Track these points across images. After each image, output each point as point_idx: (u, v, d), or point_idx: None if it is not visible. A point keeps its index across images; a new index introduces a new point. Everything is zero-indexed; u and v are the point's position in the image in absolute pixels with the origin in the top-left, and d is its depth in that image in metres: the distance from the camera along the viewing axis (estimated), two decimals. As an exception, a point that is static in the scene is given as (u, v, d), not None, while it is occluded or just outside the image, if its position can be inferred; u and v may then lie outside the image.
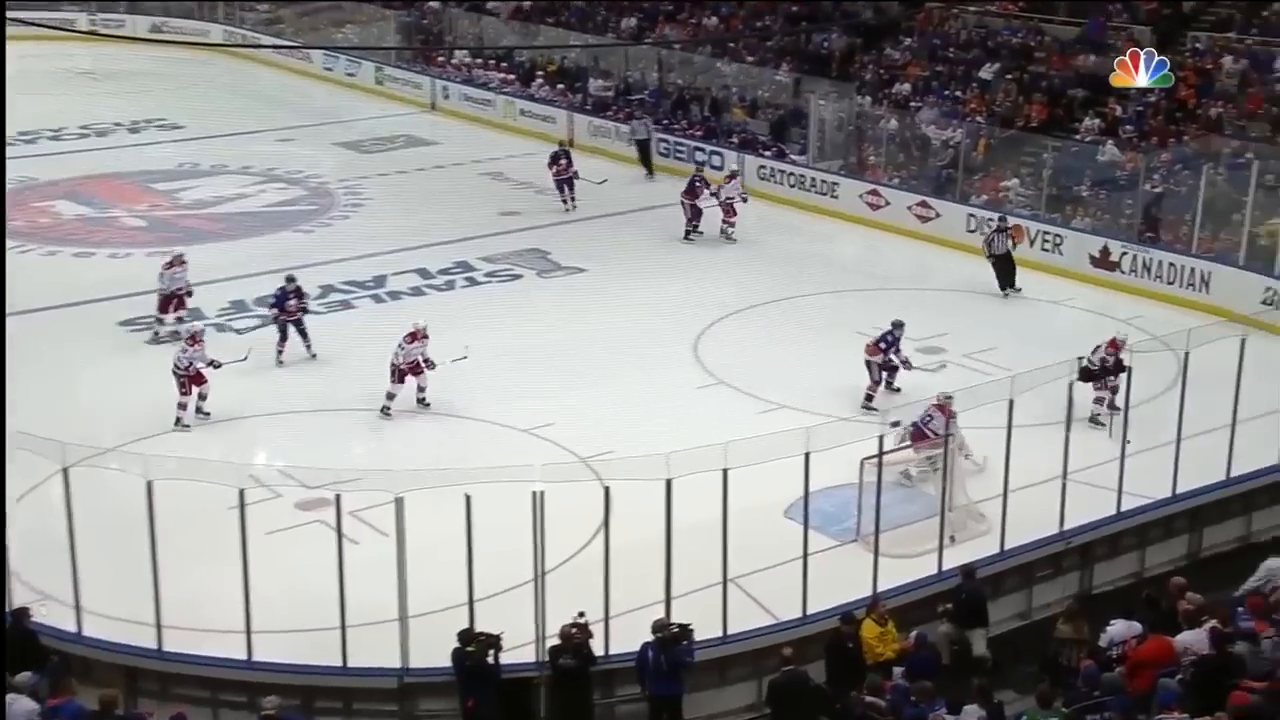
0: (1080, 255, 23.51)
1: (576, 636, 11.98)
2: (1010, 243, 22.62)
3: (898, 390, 18.12)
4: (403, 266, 23.81)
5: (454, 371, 17.94)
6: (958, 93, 28.66)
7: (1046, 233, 24.00)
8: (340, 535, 12.18)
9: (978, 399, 14.52)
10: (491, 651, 11.87)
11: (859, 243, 26.12)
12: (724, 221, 25.44)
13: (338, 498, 12.29)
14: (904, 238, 25.80)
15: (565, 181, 27.27)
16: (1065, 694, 11.10)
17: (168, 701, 12.28)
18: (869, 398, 17.98)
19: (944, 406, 15.08)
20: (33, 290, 20.76)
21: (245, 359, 18.50)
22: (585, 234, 26.06)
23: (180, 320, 20.09)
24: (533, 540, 12.00)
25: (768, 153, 29.11)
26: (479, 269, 23.88)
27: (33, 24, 26.93)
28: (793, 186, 27.94)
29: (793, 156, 28.73)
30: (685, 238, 25.46)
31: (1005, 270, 22.51)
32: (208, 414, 17.64)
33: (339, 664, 12.32)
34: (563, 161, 27.37)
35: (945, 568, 13.75)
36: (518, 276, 23.70)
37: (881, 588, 13.16)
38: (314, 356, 19.59)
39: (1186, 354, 15.03)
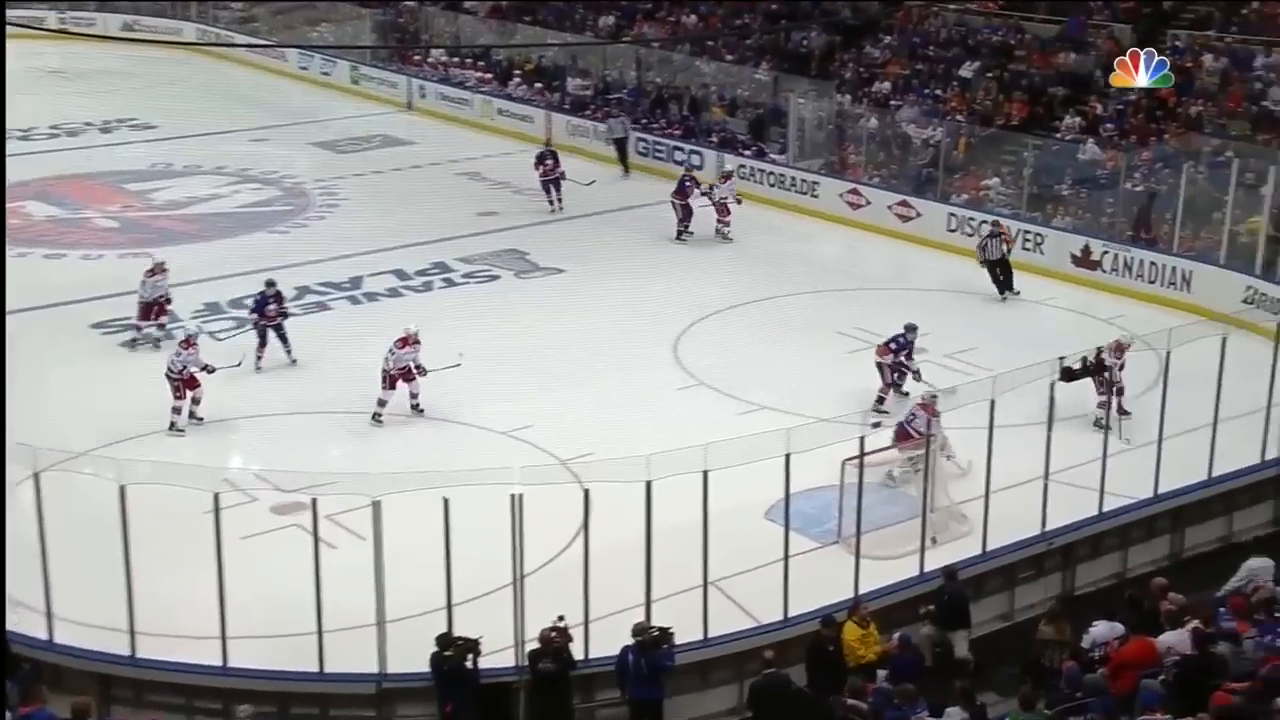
0: (1061, 254, 23.51)
1: (556, 640, 11.89)
2: (1005, 247, 22.54)
3: (906, 395, 17.83)
4: (379, 267, 23.65)
5: (435, 374, 17.80)
6: (938, 91, 28.61)
7: (1027, 232, 23.97)
8: (317, 539, 12.04)
9: (959, 399, 14.50)
10: (470, 656, 11.76)
11: (839, 242, 26.08)
12: (719, 221, 25.32)
13: (314, 502, 12.13)
14: (885, 237, 25.77)
15: (552, 182, 27.05)
16: (1048, 695, 11.05)
17: (141, 709, 12.18)
18: (880, 400, 17.86)
19: (928, 405, 15.03)
20: (4, 292, 20.55)
21: (239, 365, 18.40)
22: (564, 234, 25.94)
23: (161, 328, 19.87)
24: (511, 543, 11.90)
25: (747, 152, 29.03)
26: (457, 270, 23.75)
27: None
28: (773, 186, 27.84)
29: (772, 156, 28.66)
30: (677, 238, 25.32)
31: (1002, 275, 22.45)
32: (201, 418, 17.47)
33: (315, 670, 12.20)
34: (549, 162, 27.16)
35: (927, 569, 13.68)
36: (496, 277, 23.57)
37: (863, 590, 13.10)
38: (294, 362, 19.38)
39: (1168, 353, 15.00)
